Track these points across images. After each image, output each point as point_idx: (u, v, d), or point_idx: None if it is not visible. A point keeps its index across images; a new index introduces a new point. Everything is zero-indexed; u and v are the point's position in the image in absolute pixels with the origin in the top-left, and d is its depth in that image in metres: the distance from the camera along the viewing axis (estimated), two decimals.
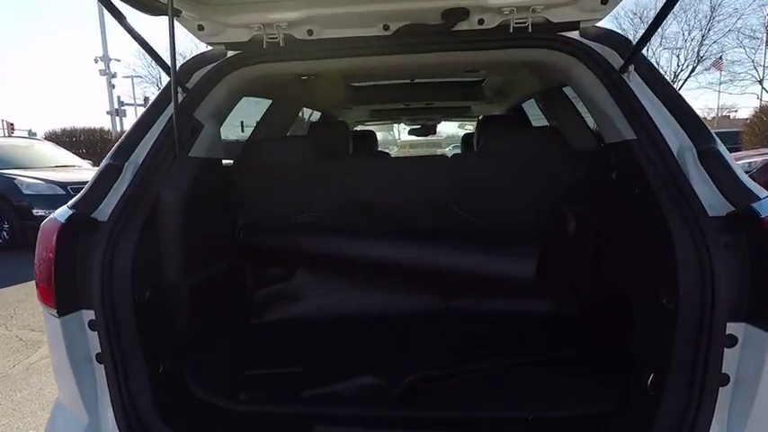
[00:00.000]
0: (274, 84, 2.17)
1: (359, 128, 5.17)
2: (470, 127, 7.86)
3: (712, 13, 25.95)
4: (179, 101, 1.73)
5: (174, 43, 1.57)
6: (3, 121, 21.97)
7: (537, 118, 3.78)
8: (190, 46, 19.71)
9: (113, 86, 23.89)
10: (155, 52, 1.63)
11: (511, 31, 1.63)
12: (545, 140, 1.96)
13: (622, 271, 1.69)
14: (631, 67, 1.56)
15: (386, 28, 1.68)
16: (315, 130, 2.90)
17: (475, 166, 1.99)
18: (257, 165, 2.07)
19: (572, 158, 1.93)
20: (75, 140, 21.59)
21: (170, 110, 1.65)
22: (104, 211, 1.50)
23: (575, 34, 1.67)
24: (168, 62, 1.58)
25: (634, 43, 1.56)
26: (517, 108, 4.04)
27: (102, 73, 23.33)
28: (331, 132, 2.90)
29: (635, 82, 1.56)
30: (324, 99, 3.69)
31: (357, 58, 1.76)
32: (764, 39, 25.36)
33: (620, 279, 1.71)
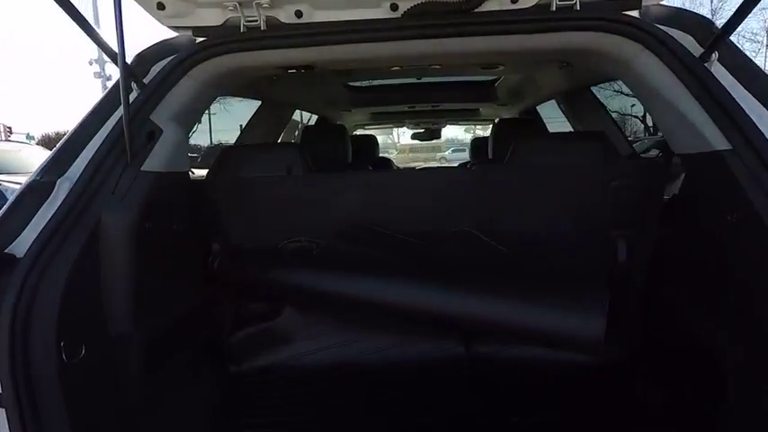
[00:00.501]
0: (258, 80, 1.79)
1: (358, 132, 4.81)
2: (477, 130, 7.50)
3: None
4: (132, 99, 1.36)
5: (121, 24, 1.20)
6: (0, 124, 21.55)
7: (550, 122, 3.43)
8: None
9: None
10: (97, 35, 1.26)
11: (553, 9, 1.28)
12: (591, 148, 1.58)
13: (699, 319, 1.32)
14: (714, 56, 1.20)
15: (394, 8, 1.32)
16: (308, 135, 2.52)
17: (503, 179, 1.61)
18: (233, 178, 1.69)
19: (624, 171, 1.56)
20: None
21: (120, 111, 1.28)
22: (24, 242, 1.14)
23: (633, 14, 1.31)
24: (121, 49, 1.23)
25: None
26: (530, 111, 3.69)
27: (97, 75, 22.87)
28: (327, 138, 2.53)
29: (719, 74, 1.20)
30: (319, 100, 3.31)
31: (357, 47, 1.39)
32: (764, 42, 25.23)
33: (694, 328, 1.34)
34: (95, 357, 1.23)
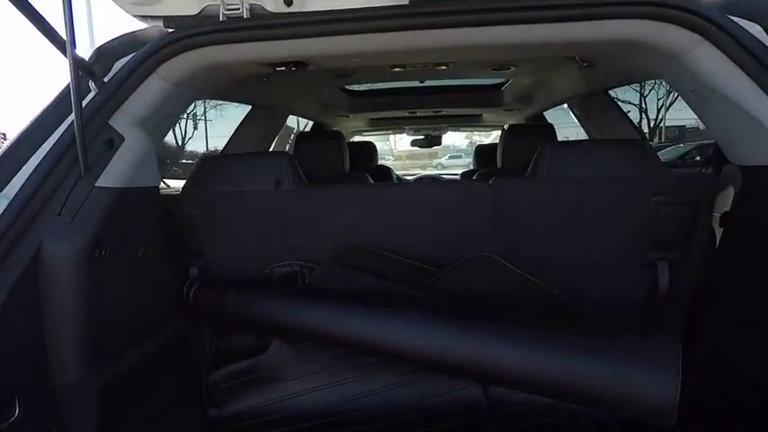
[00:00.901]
0: (245, 81, 1.57)
1: (356, 138, 4.59)
2: (479, 137, 7.31)
3: None
4: (89, 100, 1.14)
5: (70, 5, 0.98)
6: None
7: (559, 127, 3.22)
8: None
9: None
10: (43, 21, 1.03)
11: None
12: (630, 157, 1.36)
13: (755, 360, 1.11)
14: None
15: None
16: (302, 142, 2.28)
17: (530, 194, 1.39)
18: (212, 193, 1.47)
19: (669, 183, 1.34)
20: None
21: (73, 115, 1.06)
22: None
23: None
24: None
25: None
26: (537, 117, 3.49)
27: None
28: (322, 145, 2.30)
29: None
30: (314, 104, 3.09)
31: (357, 39, 1.17)
32: None
33: (748, 369, 1.13)
34: (36, 416, 1.00)
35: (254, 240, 1.49)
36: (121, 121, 1.17)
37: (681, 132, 11.45)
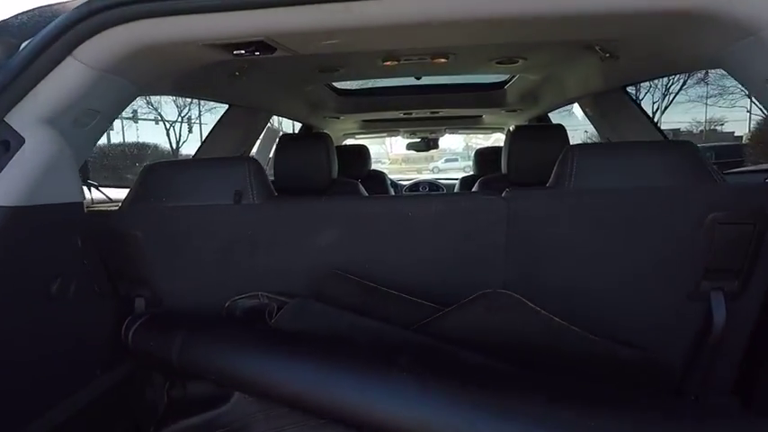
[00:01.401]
0: (213, 74, 1.30)
1: (349, 141, 4.31)
2: (476, 140, 7.04)
3: None
4: None
5: None
6: None
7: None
8: None
9: None
10: None
11: None
12: (680, 166, 1.09)
13: None
14: None
15: None
16: (283, 146, 2.01)
17: (550, 209, 1.11)
18: (159, 207, 1.19)
19: (727, 198, 1.07)
20: None
21: None
22: None
23: None
24: None
25: None
26: (541, 118, 3.23)
27: None
28: (306, 149, 2.02)
29: None
30: (300, 104, 2.81)
31: (328, 9, 0.89)
32: None
33: None
34: None
35: (212, 267, 1.21)
36: (22, 117, 0.89)
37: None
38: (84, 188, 1.26)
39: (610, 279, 1.12)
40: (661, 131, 2.13)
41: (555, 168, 1.16)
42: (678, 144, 1.17)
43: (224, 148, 2.32)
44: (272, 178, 1.96)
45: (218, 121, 2.36)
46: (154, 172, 1.23)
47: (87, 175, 1.29)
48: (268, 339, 1.05)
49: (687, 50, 1.10)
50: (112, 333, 1.19)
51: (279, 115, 3.00)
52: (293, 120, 3.38)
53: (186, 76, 1.29)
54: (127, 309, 1.25)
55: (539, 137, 2.08)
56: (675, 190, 1.06)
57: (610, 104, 2.23)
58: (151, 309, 1.26)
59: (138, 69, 1.06)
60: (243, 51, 1.05)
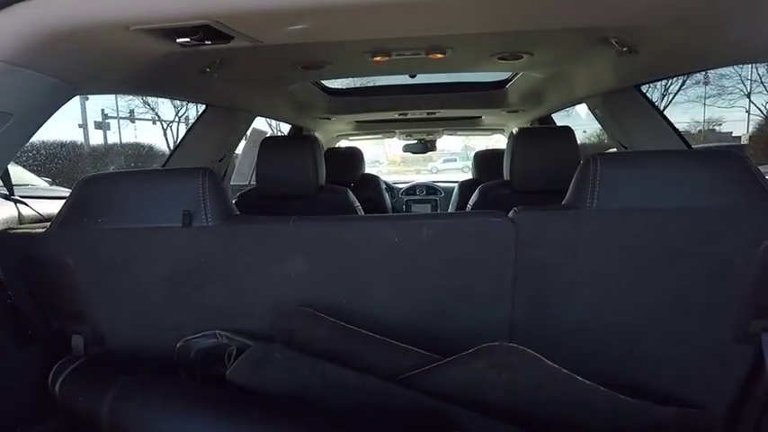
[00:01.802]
0: (182, 70, 1.10)
1: (343, 143, 4.12)
2: (475, 140, 6.85)
3: None
4: None
5: None
6: None
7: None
8: None
9: (87, 98, 22.60)
10: None
11: None
12: (727, 181, 0.89)
13: None
14: None
15: None
16: (266, 150, 1.80)
17: (568, 234, 0.91)
18: (94, 229, 0.98)
19: None
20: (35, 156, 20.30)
21: None
22: None
23: None
24: None
25: None
26: (544, 120, 3.04)
27: None
28: (289, 152, 1.82)
29: None
30: (286, 105, 2.61)
31: None
32: None
33: None
34: None
35: (159, 300, 1.01)
36: None
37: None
38: (10, 204, 1.07)
39: (640, 318, 0.93)
40: (683, 137, 1.93)
41: (573, 182, 0.96)
42: (725, 155, 0.97)
43: (200, 154, 2.12)
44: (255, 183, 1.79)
45: (193, 125, 2.16)
46: (90, 186, 1.03)
47: (11, 190, 1.09)
48: (216, 401, 0.84)
49: (740, 38, 0.90)
50: (40, 381, 0.99)
51: (263, 116, 2.79)
52: (281, 121, 3.19)
53: (140, 72, 1.09)
54: (62, 349, 1.05)
55: (545, 140, 1.88)
56: (728, 211, 0.87)
57: (622, 105, 2.03)
58: (92, 348, 1.07)
59: (59, 62, 0.86)
60: (188, 39, 0.85)
